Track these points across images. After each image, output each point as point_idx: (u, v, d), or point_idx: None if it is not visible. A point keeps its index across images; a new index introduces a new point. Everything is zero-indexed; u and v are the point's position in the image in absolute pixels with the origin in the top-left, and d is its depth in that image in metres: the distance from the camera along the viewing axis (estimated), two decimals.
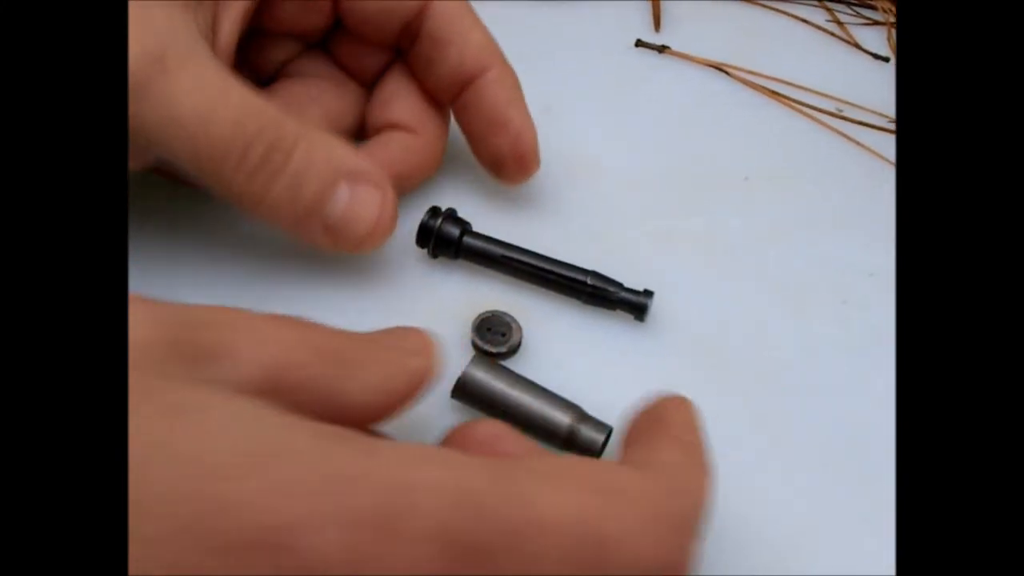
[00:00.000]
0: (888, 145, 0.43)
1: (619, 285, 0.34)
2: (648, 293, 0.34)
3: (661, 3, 0.48)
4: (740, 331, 0.36)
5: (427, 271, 0.36)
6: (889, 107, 0.45)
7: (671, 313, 0.36)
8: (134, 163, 0.33)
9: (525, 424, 0.31)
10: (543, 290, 0.35)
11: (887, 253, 0.38)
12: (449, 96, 0.36)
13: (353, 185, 0.31)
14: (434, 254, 0.36)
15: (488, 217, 0.36)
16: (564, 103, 0.42)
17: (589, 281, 0.34)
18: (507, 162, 0.36)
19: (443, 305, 0.35)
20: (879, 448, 0.33)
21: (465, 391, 0.31)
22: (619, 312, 0.35)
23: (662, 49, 0.46)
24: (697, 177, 0.41)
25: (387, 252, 0.36)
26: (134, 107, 0.28)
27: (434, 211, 0.35)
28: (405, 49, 0.36)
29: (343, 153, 0.31)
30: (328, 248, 0.32)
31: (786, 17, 0.49)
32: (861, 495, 0.32)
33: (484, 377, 0.31)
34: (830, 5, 0.50)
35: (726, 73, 0.45)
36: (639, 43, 0.46)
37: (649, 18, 0.48)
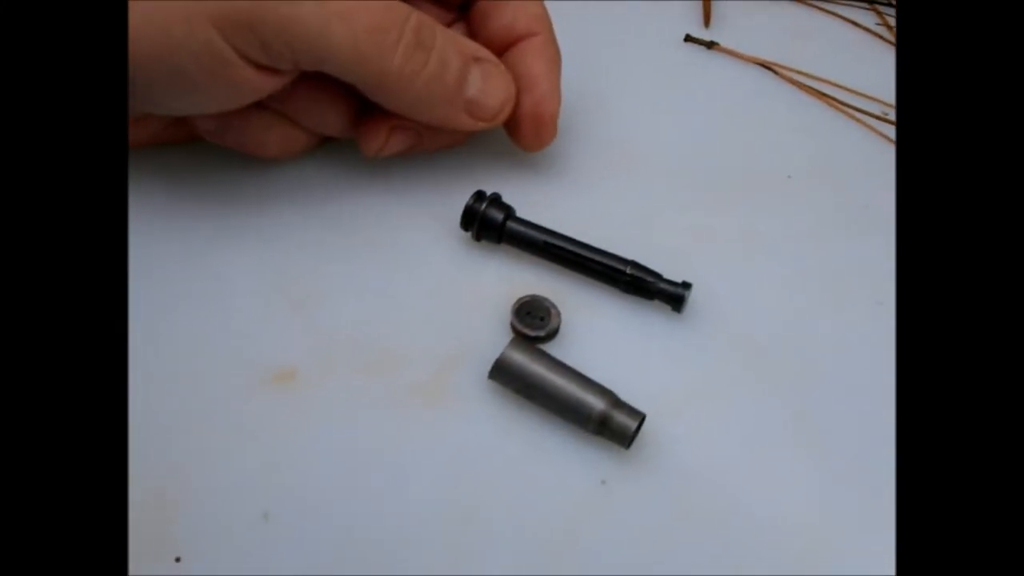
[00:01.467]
0: None
1: (658, 276, 0.35)
2: (686, 285, 0.35)
3: (712, 0, 0.48)
4: (776, 327, 0.36)
5: (470, 254, 0.36)
6: None
7: (709, 306, 0.36)
8: (142, 134, 0.35)
9: (560, 407, 0.31)
10: (583, 277, 0.36)
11: None
12: (493, 52, 0.37)
13: (483, 66, 0.35)
14: (478, 237, 0.36)
15: (532, 204, 0.37)
16: (613, 96, 0.43)
17: (628, 270, 0.35)
18: (524, 122, 0.37)
19: (484, 287, 0.35)
20: None
21: (502, 372, 0.32)
22: (657, 302, 0.35)
23: (711, 45, 0.46)
24: (740, 173, 0.41)
25: (431, 233, 0.37)
26: (295, 14, 0.30)
27: (479, 195, 0.36)
28: (468, 7, 0.38)
29: (467, 40, 0.35)
30: (467, 126, 0.36)
31: (835, 18, 0.49)
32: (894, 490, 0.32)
33: (521, 359, 0.32)
34: (880, 8, 0.50)
35: (773, 72, 0.46)
36: (688, 38, 0.46)
37: (699, 14, 0.48)
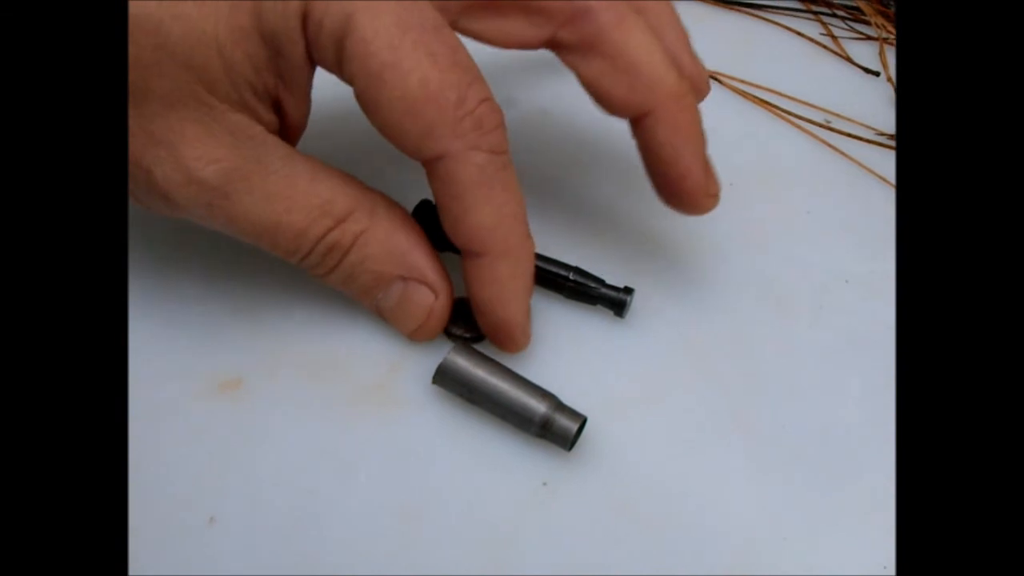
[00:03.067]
0: (873, 157, 0.44)
1: (600, 281, 0.35)
2: (628, 290, 0.35)
3: None
4: (719, 332, 0.37)
5: None
6: (877, 120, 0.46)
7: (652, 311, 0.37)
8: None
9: (503, 410, 0.32)
10: None
11: (865, 261, 0.39)
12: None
13: (407, 283, 0.33)
14: None
15: None
16: (558, 104, 0.44)
17: (571, 276, 0.35)
18: (491, 335, 0.34)
19: None
20: (852, 448, 0.34)
21: (445, 376, 0.32)
22: (600, 307, 0.36)
23: None
24: None
25: None
26: (204, 220, 0.30)
27: (425, 204, 0.36)
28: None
29: (405, 249, 0.32)
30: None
31: (781, 29, 0.51)
32: (835, 494, 0.33)
33: (465, 364, 0.32)
34: (825, 19, 0.51)
35: (718, 81, 0.47)
36: None
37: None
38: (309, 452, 0.32)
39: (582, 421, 0.32)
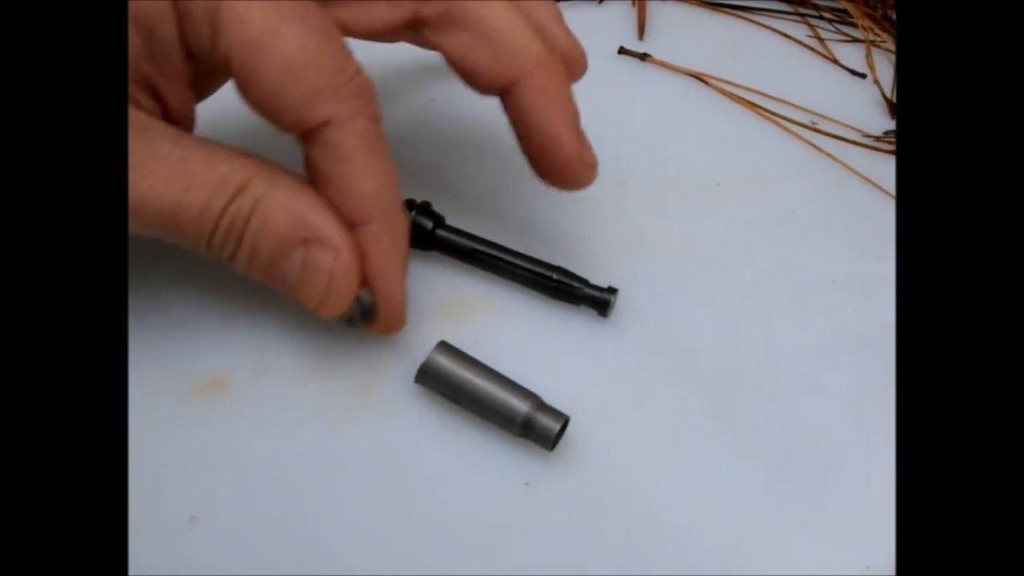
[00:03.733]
0: (860, 158, 0.44)
1: (584, 281, 0.35)
2: (612, 290, 0.35)
3: (646, 11, 0.49)
4: (703, 332, 0.37)
5: None
6: (863, 122, 0.46)
7: (636, 311, 0.37)
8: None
9: (485, 410, 0.32)
10: (512, 283, 0.36)
11: (850, 261, 0.39)
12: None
13: (307, 246, 0.30)
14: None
15: (463, 212, 0.38)
16: None
17: (555, 276, 0.35)
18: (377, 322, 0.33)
19: (414, 294, 0.36)
20: (837, 448, 0.34)
21: (428, 376, 0.32)
22: (584, 307, 0.36)
23: (644, 57, 0.47)
24: (670, 181, 0.42)
25: None
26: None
27: (409, 203, 0.36)
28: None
29: (304, 210, 0.30)
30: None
31: (768, 31, 0.51)
32: (819, 494, 0.33)
33: (447, 364, 0.32)
34: (812, 21, 0.52)
35: (705, 83, 0.47)
36: (622, 50, 0.47)
37: (634, 26, 0.49)
38: (292, 452, 0.32)
39: (564, 421, 0.32)
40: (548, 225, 0.39)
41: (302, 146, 0.30)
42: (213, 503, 0.31)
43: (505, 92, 0.32)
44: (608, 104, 0.45)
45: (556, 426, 0.31)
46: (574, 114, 0.33)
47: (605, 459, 0.33)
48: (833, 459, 0.34)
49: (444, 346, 0.33)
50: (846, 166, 0.44)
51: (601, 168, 0.41)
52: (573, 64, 0.35)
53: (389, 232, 0.31)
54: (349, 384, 0.34)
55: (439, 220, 0.36)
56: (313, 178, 0.31)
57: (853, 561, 0.31)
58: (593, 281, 0.36)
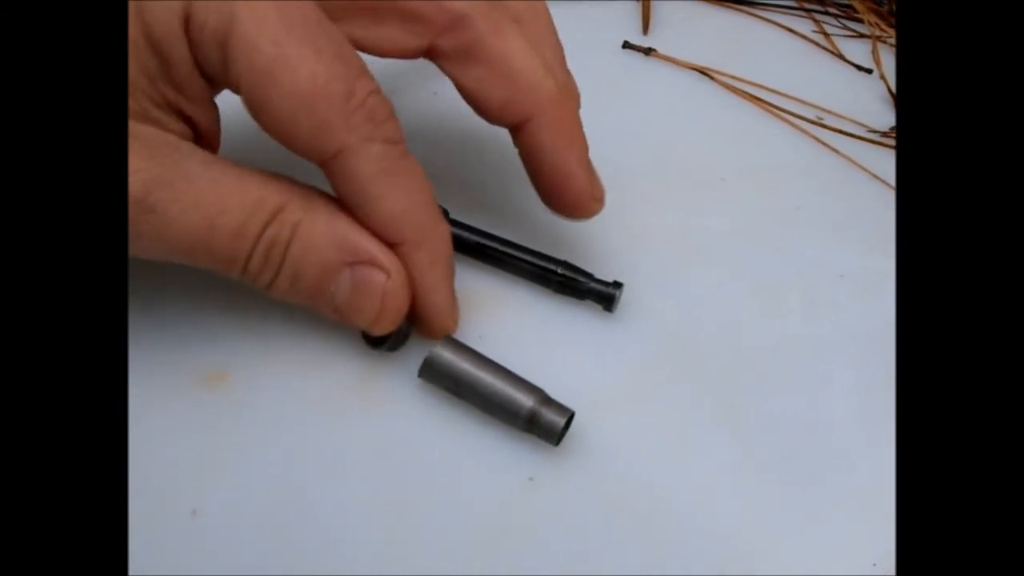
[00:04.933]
0: (866, 153, 0.44)
1: (589, 275, 0.35)
2: (617, 284, 0.35)
3: (651, 6, 0.49)
4: (709, 327, 0.36)
5: None
6: (870, 117, 0.46)
7: (641, 306, 0.36)
8: None
9: (489, 404, 0.32)
10: (515, 278, 0.36)
11: (856, 256, 0.39)
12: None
13: (355, 268, 0.30)
14: None
15: (467, 206, 0.37)
16: None
17: (559, 270, 0.35)
18: (419, 324, 0.34)
19: None
20: (843, 444, 0.34)
21: (431, 370, 0.32)
22: (589, 302, 0.36)
23: (648, 51, 0.47)
24: (675, 176, 0.41)
25: None
26: (133, 247, 0.28)
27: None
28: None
29: (347, 232, 0.30)
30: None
31: (773, 26, 0.50)
32: (824, 491, 0.33)
33: (451, 358, 0.32)
34: (817, 16, 0.51)
35: (709, 77, 0.46)
36: (626, 45, 0.47)
37: (638, 21, 0.49)
38: (294, 446, 0.32)
39: (569, 415, 0.31)
40: (552, 219, 0.38)
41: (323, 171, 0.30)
42: (214, 497, 0.31)
43: (518, 127, 0.33)
44: (613, 99, 0.44)
45: (561, 421, 0.31)
46: (585, 150, 0.34)
47: (610, 454, 0.32)
48: (840, 455, 0.33)
49: (448, 340, 0.32)
50: (852, 161, 0.43)
51: (605, 163, 0.41)
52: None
53: (425, 249, 0.31)
54: (351, 378, 0.33)
55: (443, 215, 0.36)
56: (341, 202, 0.30)
57: (860, 558, 0.31)
58: (598, 276, 0.35)
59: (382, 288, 0.31)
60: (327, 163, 0.29)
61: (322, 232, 0.30)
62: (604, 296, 0.35)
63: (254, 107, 0.29)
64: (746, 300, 0.37)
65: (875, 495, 0.32)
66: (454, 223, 0.36)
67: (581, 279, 0.35)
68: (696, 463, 0.33)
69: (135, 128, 0.28)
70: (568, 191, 0.33)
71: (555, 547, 0.31)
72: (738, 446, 0.33)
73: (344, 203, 0.30)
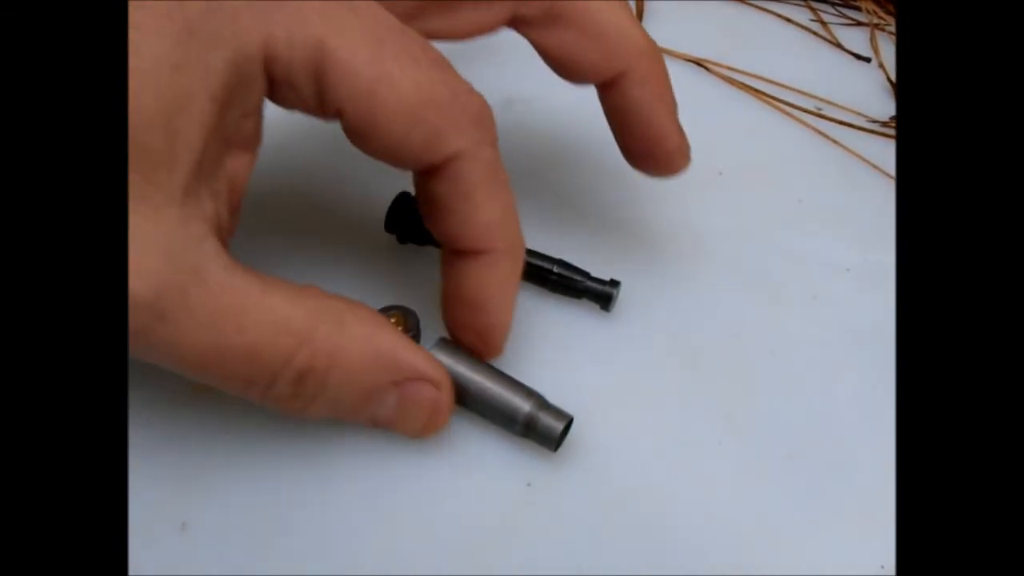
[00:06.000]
0: (866, 144, 0.43)
1: (586, 274, 0.35)
2: (614, 283, 0.34)
3: None
4: (709, 326, 0.36)
5: (395, 257, 0.36)
6: (869, 107, 0.45)
7: (639, 304, 0.36)
8: None
9: (486, 409, 0.31)
10: None
11: (858, 250, 0.39)
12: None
13: (402, 386, 0.28)
14: (402, 240, 0.36)
15: None
16: (543, 92, 0.43)
17: (555, 269, 0.34)
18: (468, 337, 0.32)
19: (410, 290, 0.35)
20: (848, 443, 0.33)
21: None
22: (586, 301, 0.35)
23: None
24: None
25: (354, 237, 0.36)
26: (138, 353, 0.25)
27: (404, 197, 0.35)
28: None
29: (389, 349, 0.28)
30: None
31: (769, 15, 0.50)
32: (829, 492, 0.32)
33: (447, 361, 0.31)
34: (814, 5, 0.50)
35: (706, 68, 0.45)
36: None
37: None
38: (285, 455, 0.31)
39: (568, 420, 0.31)
40: (547, 217, 0.38)
41: (419, 179, 0.29)
42: (204, 509, 0.30)
43: (609, 84, 0.32)
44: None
45: (560, 426, 0.30)
46: (675, 105, 0.33)
47: (609, 458, 0.32)
48: (845, 455, 0.33)
49: (443, 343, 0.32)
50: (853, 152, 0.43)
51: (600, 158, 0.40)
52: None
53: (509, 259, 0.30)
54: None
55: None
56: (431, 209, 0.29)
57: (867, 559, 0.30)
58: (595, 274, 0.35)
59: (432, 403, 0.29)
60: (433, 171, 0.28)
61: (362, 354, 0.27)
62: (601, 295, 0.34)
63: (360, 130, 0.27)
64: (747, 297, 0.37)
65: (882, 495, 0.31)
66: None
67: (577, 278, 0.34)
68: (698, 465, 0.32)
69: (162, 213, 0.24)
70: (660, 148, 0.33)
71: (554, 552, 0.30)
72: (741, 447, 0.32)
73: (440, 209, 0.29)
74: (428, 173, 0.28)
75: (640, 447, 0.32)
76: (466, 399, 0.31)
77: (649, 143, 0.33)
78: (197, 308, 0.25)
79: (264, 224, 0.36)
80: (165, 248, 0.24)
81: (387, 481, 0.31)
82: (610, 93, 0.32)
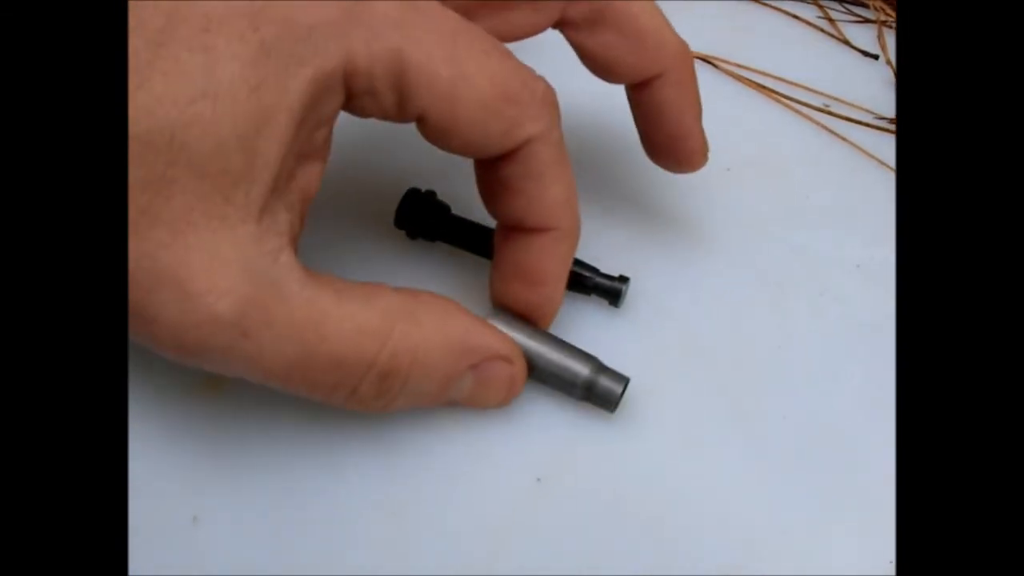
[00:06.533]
0: (874, 141, 0.43)
1: (595, 270, 0.35)
2: (624, 279, 0.35)
3: None
4: (717, 320, 0.36)
5: (405, 253, 0.36)
6: (877, 104, 0.45)
7: (648, 300, 0.36)
8: None
9: (544, 373, 0.32)
10: None
11: (866, 246, 0.39)
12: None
13: (478, 368, 0.30)
14: (412, 236, 0.36)
15: (467, 201, 0.37)
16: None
17: None
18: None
19: (420, 286, 0.35)
20: (855, 439, 0.33)
21: None
22: (594, 297, 0.35)
23: None
24: None
25: (365, 233, 0.36)
26: (217, 367, 0.26)
27: (413, 193, 0.35)
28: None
29: (462, 335, 0.29)
30: None
31: (777, 13, 0.50)
32: (837, 488, 0.32)
33: (504, 328, 0.31)
34: (822, 2, 0.50)
35: (713, 65, 0.46)
36: None
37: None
38: (296, 449, 0.31)
39: (625, 382, 0.31)
40: None
41: (486, 163, 0.30)
42: (215, 503, 0.30)
43: (643, 84, 0.33)
44: (614, 89, 0.44)
45: (619, 388, 0.31)
46: (701, 107, 0.34)
47: (618, 453, 0.32)
48: (853, 450, 0.33)
49: (499, 312, 0.32)
50: (860, 149, 0.43)
51: (606, 153, 0.40)
52: None
53: (572, 239, 0.31)
54: None
55: (445, 209, 0.35)
56: (498, 191, 0.30)
57: (876, 556, 0.30)
58: (604, 270, 0.35)
59: (508, 378, 0.31)
60: (508, 156, 0.29)
61: (439, 345, 0.28)
62: (610, 291, 0.34)
63: (441, 130, 0.28)
64: (755, 293, 0.37)
65: (890, 492, 0.31)
66: (457, 219, 0.35)
67: (586, 274, 0.34)
68: (707, 461, 0.32)
69: (239, 231, 0.25)
70: (684, 146, 0.34)
71: (563, 547, 0.30)
72: (750, 443, 0.33)
73: (509, 190, 0.30)
74: (499, 158, 0.29)
75: (648, 441, 0.32)
76: (526, 363, 0.32)
77: (674, 141, 0.34)
78: (279, 322, 0.25)
79: None
80: (244, 266, 0.25)
81: (398, 476, 0.31)
82: (643, 92, 0.33)
